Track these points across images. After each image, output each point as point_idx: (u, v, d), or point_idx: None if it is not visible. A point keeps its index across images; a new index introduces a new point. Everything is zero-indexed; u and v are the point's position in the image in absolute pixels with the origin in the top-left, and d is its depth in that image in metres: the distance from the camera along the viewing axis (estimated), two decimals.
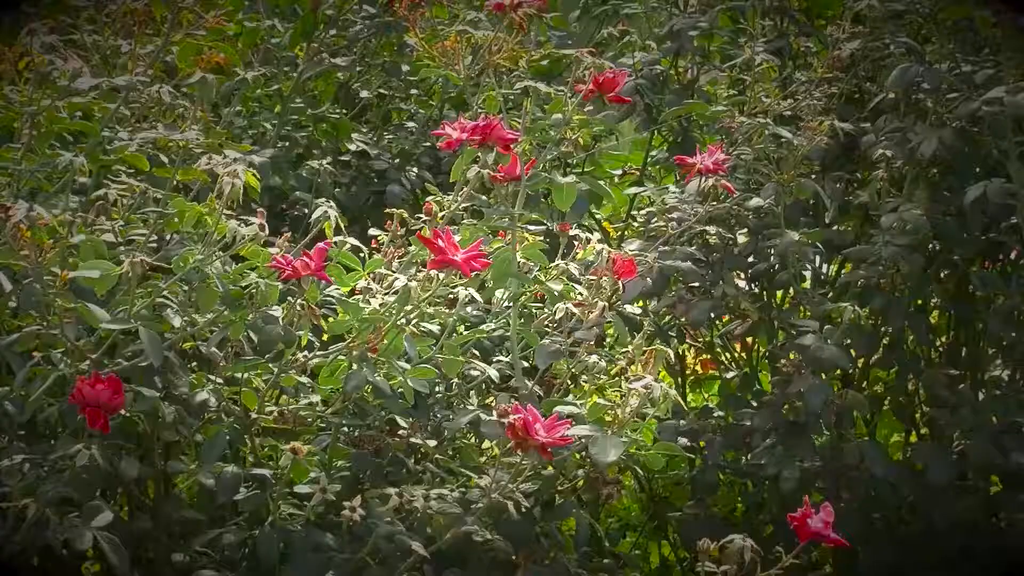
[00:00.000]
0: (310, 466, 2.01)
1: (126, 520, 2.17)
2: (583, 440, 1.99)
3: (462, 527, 1.92)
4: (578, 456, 2.09)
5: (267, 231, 1.95)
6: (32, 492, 1.91)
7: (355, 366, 1.96)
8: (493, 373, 2.12)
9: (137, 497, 2.22)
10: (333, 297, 2.00)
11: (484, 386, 2.33)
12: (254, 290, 1.94)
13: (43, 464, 1.96)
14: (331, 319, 2.02)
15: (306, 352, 2.05)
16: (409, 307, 1.92)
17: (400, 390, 2.02)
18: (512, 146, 2.10)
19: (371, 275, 2.03)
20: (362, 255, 2.08)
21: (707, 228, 2.67)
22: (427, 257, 1.85)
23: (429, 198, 2.11)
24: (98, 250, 1.94)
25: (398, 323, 1.95)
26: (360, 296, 1.99)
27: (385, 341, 1.97)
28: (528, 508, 2.05)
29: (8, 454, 1.96)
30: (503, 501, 1.91)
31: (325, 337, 2.15)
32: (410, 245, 2.08)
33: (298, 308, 1.86)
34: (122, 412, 1.96)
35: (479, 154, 2.07)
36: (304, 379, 2.09)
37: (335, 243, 1.99)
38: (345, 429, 2.12)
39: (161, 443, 2.15)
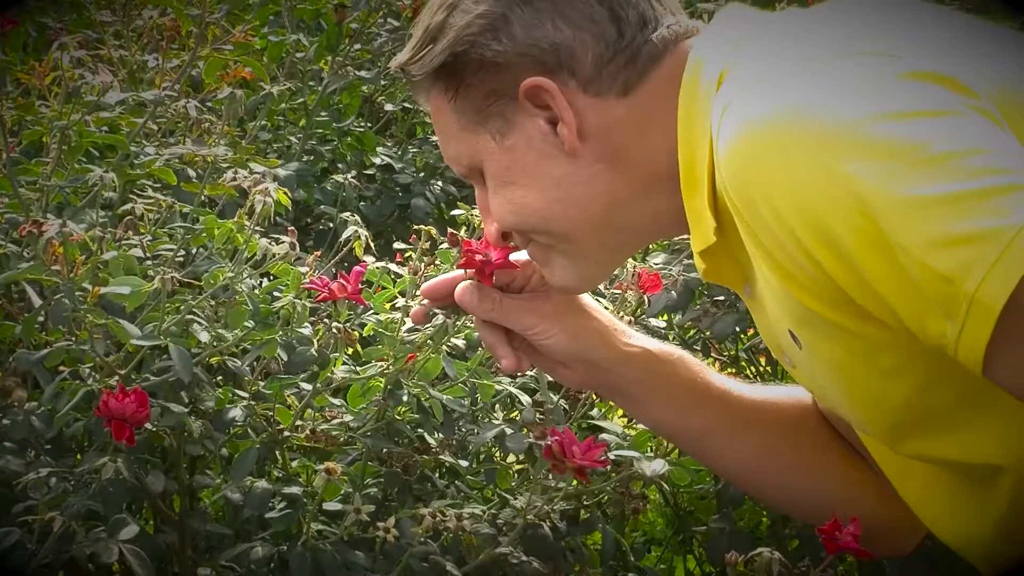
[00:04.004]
0: (341, 484, 2.01)
1: (152, 534, 2.17)
2: (626, 459, 2.01)
3: (496, 549, 1.92)
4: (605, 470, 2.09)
5: (297, 249, 1.95)
6: (58, 505, 1.91)
7: (390, 387, 1.97)
8: (525, 399, 2.12)
9: (163, 511, 2.22)
10: (370, 320, 2.00)
11: (509, 400, 2.32)
12: (286, 309, 1.94)
13: (69, 478, 1.96)
14: (368, 345, 2.02)
15: (342, 369, 2.05)
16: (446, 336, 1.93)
17: (428, 406, 2.03)
18: None
19: (402, 294, 2.03)
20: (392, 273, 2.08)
21: None
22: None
23: (456, 212, 2.11)
24: (129, 266, 1.94)
25: (436, 350, 1.96)
26: (395, 318, 1.98)
27: (427, 367, 1.97)
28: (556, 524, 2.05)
29: (34, 467, 1.96)
30: (539, 523, 1.91)
31: (350, 351, 2.15)
32: (436, 260, 2.08)
33: (333, 331, 1.86)
34: (149, 426, 1.96)
35: None
36: (335, 400, 2.09)
37: (371, 266, 1.99)
38: (366, 445, 2.12)
39: (187, 457, 2.15)
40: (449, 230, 1.72)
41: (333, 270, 2.06)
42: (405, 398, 1.96)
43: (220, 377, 2.21)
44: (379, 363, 2.00)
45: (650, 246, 3.13)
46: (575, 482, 2.05)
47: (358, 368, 2.03)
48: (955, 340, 1.12)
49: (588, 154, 1.33)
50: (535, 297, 1.45)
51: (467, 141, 1.36)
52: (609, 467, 2.04)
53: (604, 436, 2.06)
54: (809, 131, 1.15)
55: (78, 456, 2.11)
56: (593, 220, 1.35)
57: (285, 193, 1.99)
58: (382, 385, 1.99)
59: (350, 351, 2.08)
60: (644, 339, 1.50)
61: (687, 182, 1.30)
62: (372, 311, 2.00)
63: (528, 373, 2.29)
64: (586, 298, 1.48)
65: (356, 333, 2.04)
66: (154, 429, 2.00)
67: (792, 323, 1.29)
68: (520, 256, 1.44)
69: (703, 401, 1.51)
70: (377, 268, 1.99)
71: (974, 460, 1.30)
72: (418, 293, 1.71)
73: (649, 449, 2.06)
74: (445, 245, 1.98)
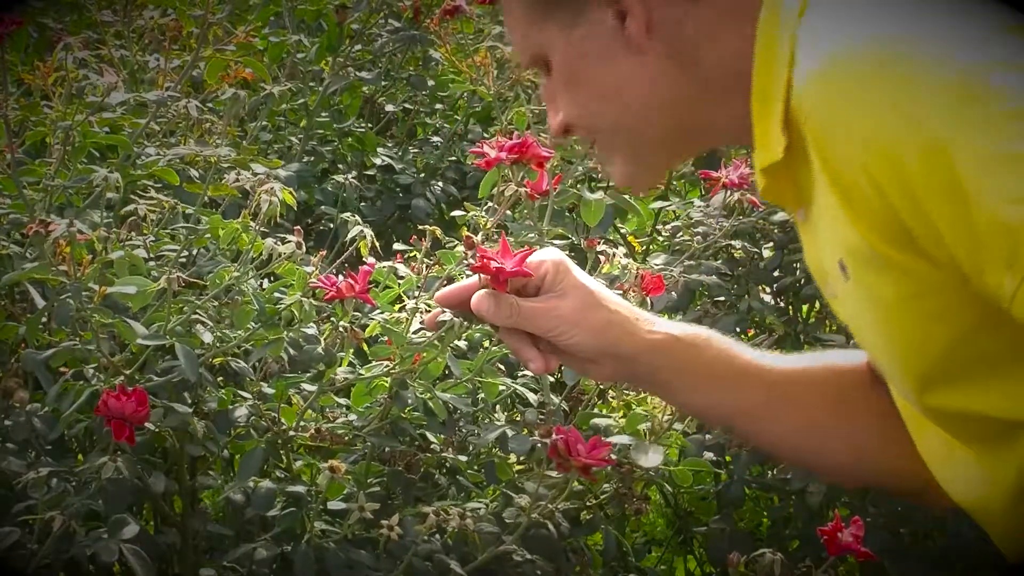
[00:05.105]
0: (345, 482, 2.01)
1: (152, 534, 2.17)
2: (623, 447, 2.00)
3: (500, 546, 1.92)
4: (606, 471, 2.09)
5: (304, 249, 1.95)
6: (58, 505, 1.91)
7: (396, 387, 1.97)
8: (533, 397, 2.12)
9: (164, 511, 2.22)
10: (373, 320, 2.01)
11: (510, 401, 2.32)
12: (294, 308, 1.94)
13: (70, 478, 1.96)
14: (378, 344, 2.02)
15: (343, 369, 2.05)
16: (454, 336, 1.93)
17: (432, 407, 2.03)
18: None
19: (407, 294, 2.03)
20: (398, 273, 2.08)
21: (732, 242, 2.66)
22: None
23: (458, 213, 2.11)
24: (135, 266, 1.95)
25: (443, 351, 1.96)
26: (403, 318, 1.98)
27: (430, 368, 1.97)
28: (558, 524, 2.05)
29: (35, 467, 1.96)
30: (543, 521, 1.91)
31: (351, 351, 2.15)
32: (439, 262, 2.08)
33: (341, 330, 1.86)
34: (152, 427, 1.96)
35: (508, 170, 2.07)
36: (341, 400, 2.09)
37: (380, 267, 1.99)
38: (370, 444, 2.12)
39: (188, 457, 2.15)
40: (465, 234, 1.72)
41: (334, 271, 2.06)
42: (411, 400, 1.96)
43: (221, 378, 2.21)
44: (383, 363, 2.00)
45: (650, 246, 3.15)
46: (579, 482, 2.05)
47: (361, 369, 2.03)
48: (1012, 292, 1.12)
49: (655, 51, 1.31)
50: (552, 298, 1.44)
51: (533, 32, 1.34)
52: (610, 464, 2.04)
53: (596, 421, 2.04)
54: (897, 69, 1.14)
55: (79, 457, 2.11)
56: (655, 119, 1.33)
57: (290, 193, 1.99)
58: (387, 385, 1.99)
59: (353, 351, 2.08)
60: (668, 324, 1.48)
61: (759, 96, 1.27)
62: (377, 310, 2.00)
63: (528, 374, 2.29)
64: (604, 291, 1.47)
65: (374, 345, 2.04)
66: (157, 430, 2.00)
67: (844, 253, 1.27)
68: (533, 259, 1.44)
69: (736, 379, 1.49)
70: (384, 268, 1.99)
71: (999, 414, 1.28)
72: (433, 300, 1.70)
73: (643, 435, 2.04)
74: (458, 248, 1.98)
